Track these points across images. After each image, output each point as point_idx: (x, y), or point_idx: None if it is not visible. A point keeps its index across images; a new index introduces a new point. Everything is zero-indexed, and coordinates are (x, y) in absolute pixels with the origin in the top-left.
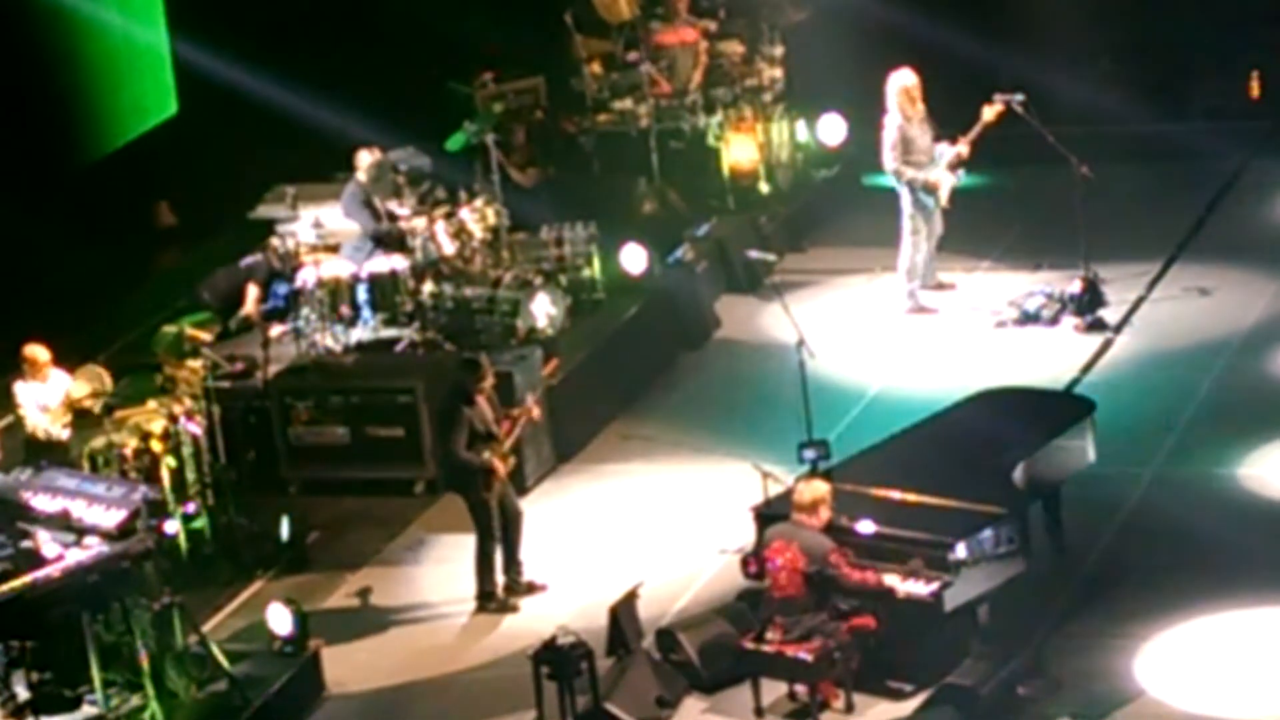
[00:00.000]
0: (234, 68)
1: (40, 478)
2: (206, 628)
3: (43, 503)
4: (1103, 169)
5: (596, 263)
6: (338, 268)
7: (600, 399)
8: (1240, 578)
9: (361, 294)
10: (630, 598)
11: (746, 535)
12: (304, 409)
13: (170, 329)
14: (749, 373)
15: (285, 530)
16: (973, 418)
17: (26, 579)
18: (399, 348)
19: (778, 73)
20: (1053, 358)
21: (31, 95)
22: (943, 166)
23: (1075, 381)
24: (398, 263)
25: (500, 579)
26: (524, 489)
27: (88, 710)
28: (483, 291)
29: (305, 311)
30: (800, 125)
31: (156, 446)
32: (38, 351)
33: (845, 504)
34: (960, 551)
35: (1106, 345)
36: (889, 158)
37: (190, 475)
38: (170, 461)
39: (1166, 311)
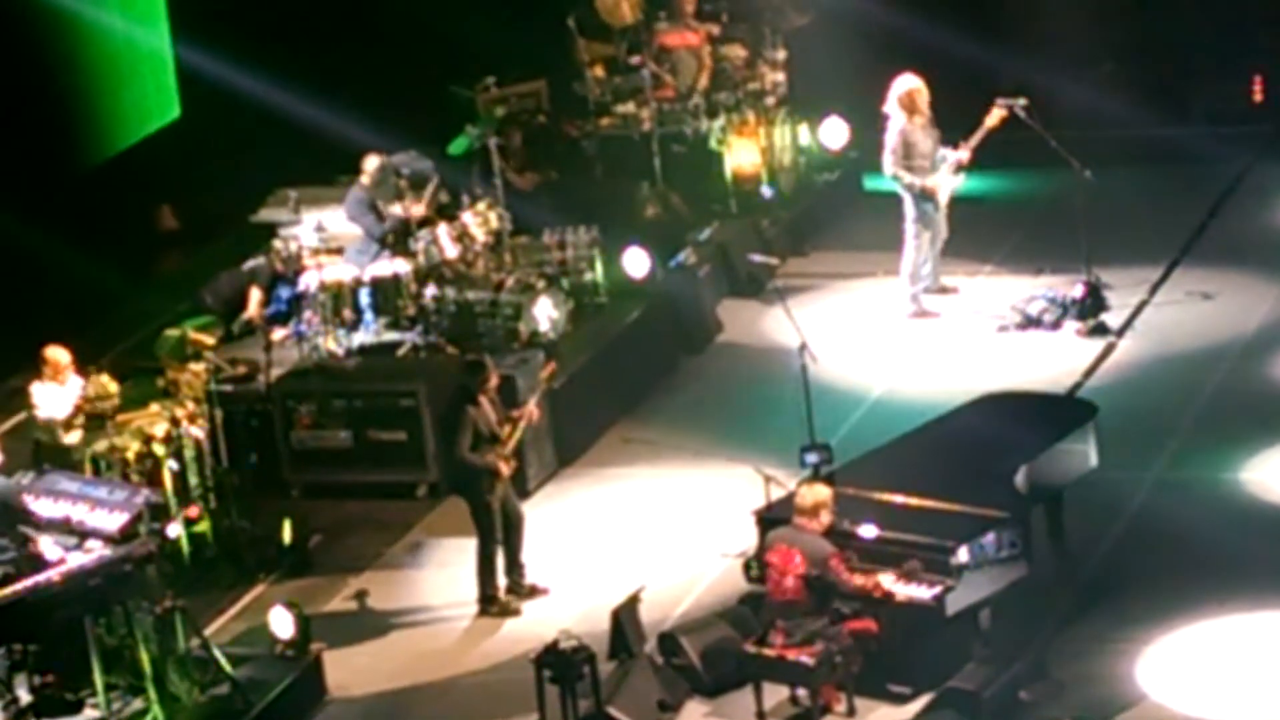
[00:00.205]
0: (237, 71)
1: (42, 481)
2: (208, 631)
3: (45, 506)
4: (1105, 173)
5: (599, 266)
6: (340, 271)
7: (602, 403)
8: (1242, 582)
9: (364, 298)
10: (632, 601)
11: (749, 539)
12: (306, 412)
13: (173, 332)
14: (751, 376)
15: (287, 534)
16: (975, 422)
17: (29, 582)
18: (401, 351)
19: (780, 76)
20: (1055, 362)
21: (34, 99)
22: (943, 172)
23: (1077, 386)
24: (400, 266)
25: (502, 582)
26: (526, 492)
27: (90, 714)
28: (485, 295)
29: (308, 315)
30: (803, 129)
31: (159, 450)
32: (59, 354)
33: (847, 508)
34: (962, 556)
35: (1109, 349)
36: (888, 162)
37: (193, 479)
38: (172, 465)
39: (1169, 316)
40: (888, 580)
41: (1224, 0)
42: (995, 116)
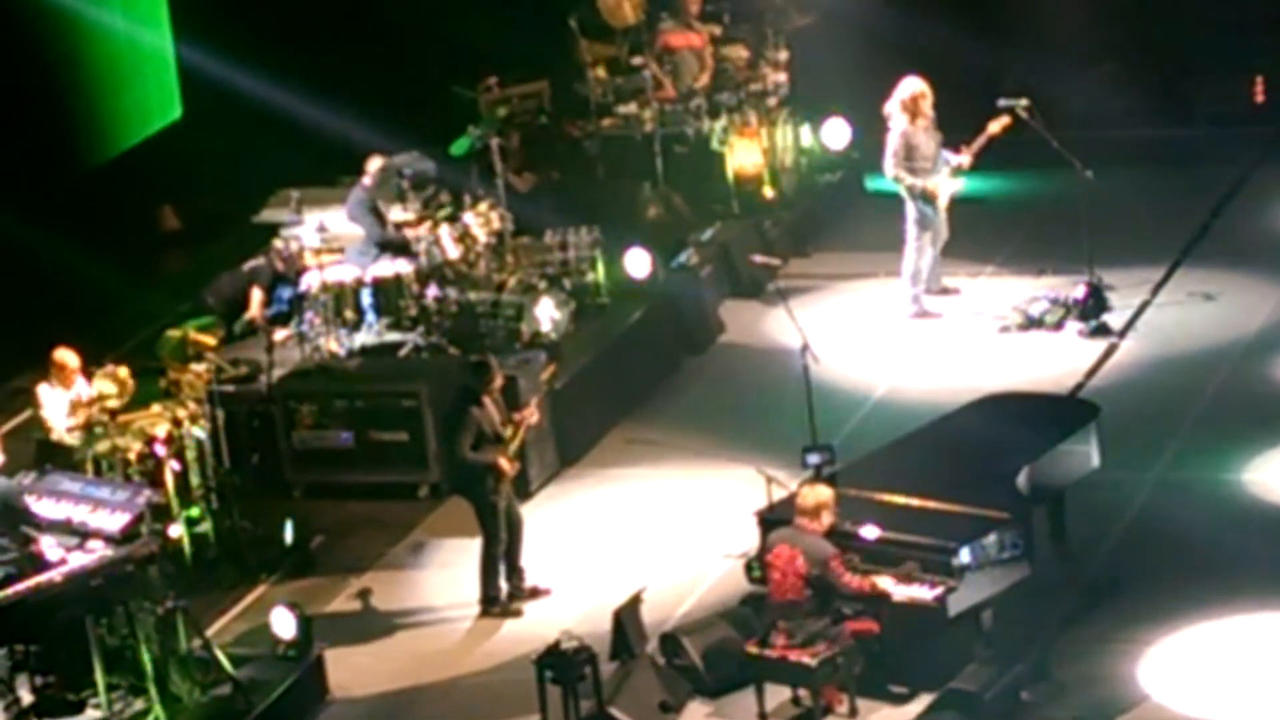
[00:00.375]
0: (238, 72)
1: (44, 481)
2: (210, 631)
3: (47, 507)
4: (1107, 174)
5: (601, 267)
6: (342, 272)
7: (604, 403)
8: (1244, 583)
9: (366, 298)
10: (634, 602)
11: (750, 540)
12: (308, 413)
13: (174, 333)
14: (753, 377)
15: (289, 534)
16: (977, 423)
17: (30, 583)
18: (403, 352)
19: (782, 77)
20: (1057, 363)
21: (35, 99)
22: (944, 174)
23: (1079, 386)
24: (402, 267)
25: (503, 584)
26: (528, 493)
27: (91, 714)
28: (487, 296)
29: (309, 315)
30: (805, 130)
31: (161, 450)
32: (67, 357)
33: (849, 509)
34: (964, 556)
35: (1111, 350)
36: (890, 163)
37: (194, 479)
38: (174, 465)
39: (1171, 317)
40: (886, 582)
41: (1226, 1)
42: (999, 124)
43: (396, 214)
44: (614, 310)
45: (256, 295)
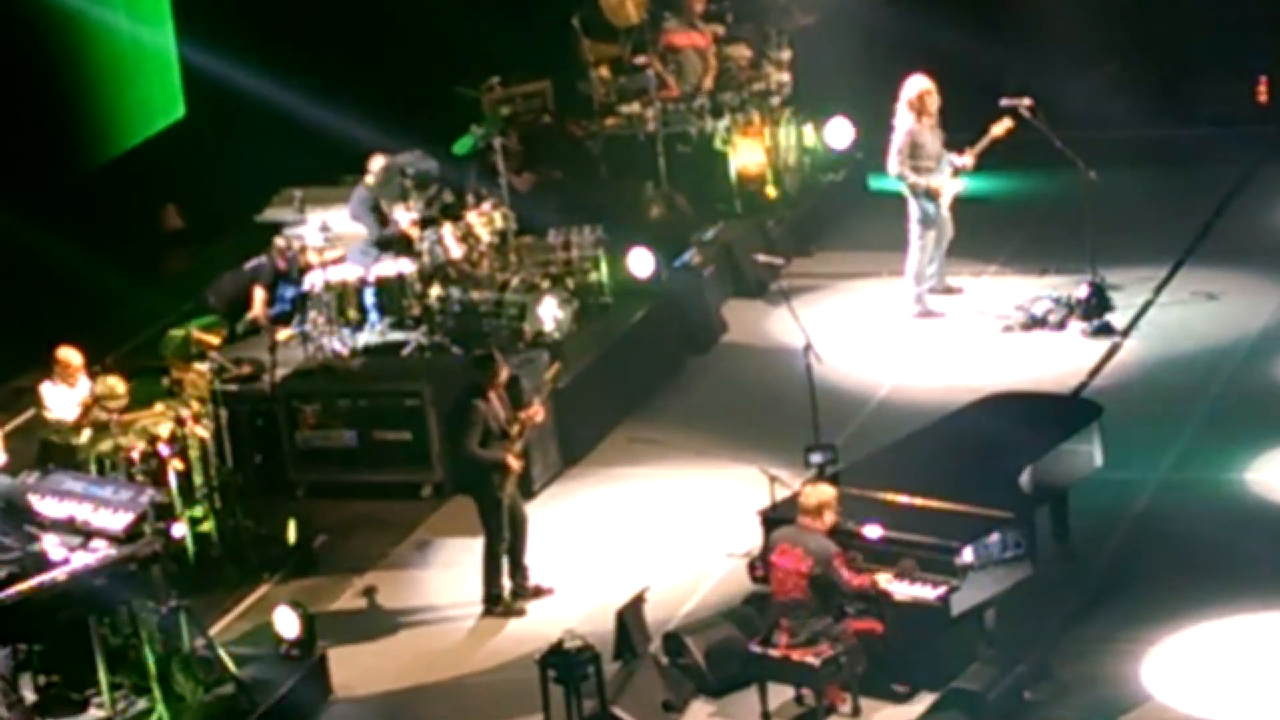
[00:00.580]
0: (241, 71)
1: (47, 481)
2: (213, 631)
3: (50, 506)
4: (1109, 173)
5: (604, 266)
6: (345, 271)
7: (607, 403)
8: (1246, 582)
9: (369, 297)
10: (637, 601)
11: (754, 539)
12: (311, 412)
13: (177, 332)
14: (756, 377)
15: (292, 533)
16: (980, 422)
17: (33, 582)
18: (406, 351)
19: (785, 77)
20: (1060, 362)
21: (39, 98)
22: (946, 174)
23: (1082, 386)
24: (405, 266)
25: (506, 583)
26: (531, 493)
27: (94, 713)
28: (490, 295)
29: (312, 315)
30: (808, 129)
31: (164, 450)
32: (70, 355)
33: (852, 508)
34: (967, 556)
35: (1113, 350)
36: (894, 162)
37: (197, 478)
38: (177, 464)
39: (1174, 316)
40: (884, 579)
41: (1229, 1)
42: (1002, 126)
43: (400, 213)
44: (617, 310)
45: (259, 295)
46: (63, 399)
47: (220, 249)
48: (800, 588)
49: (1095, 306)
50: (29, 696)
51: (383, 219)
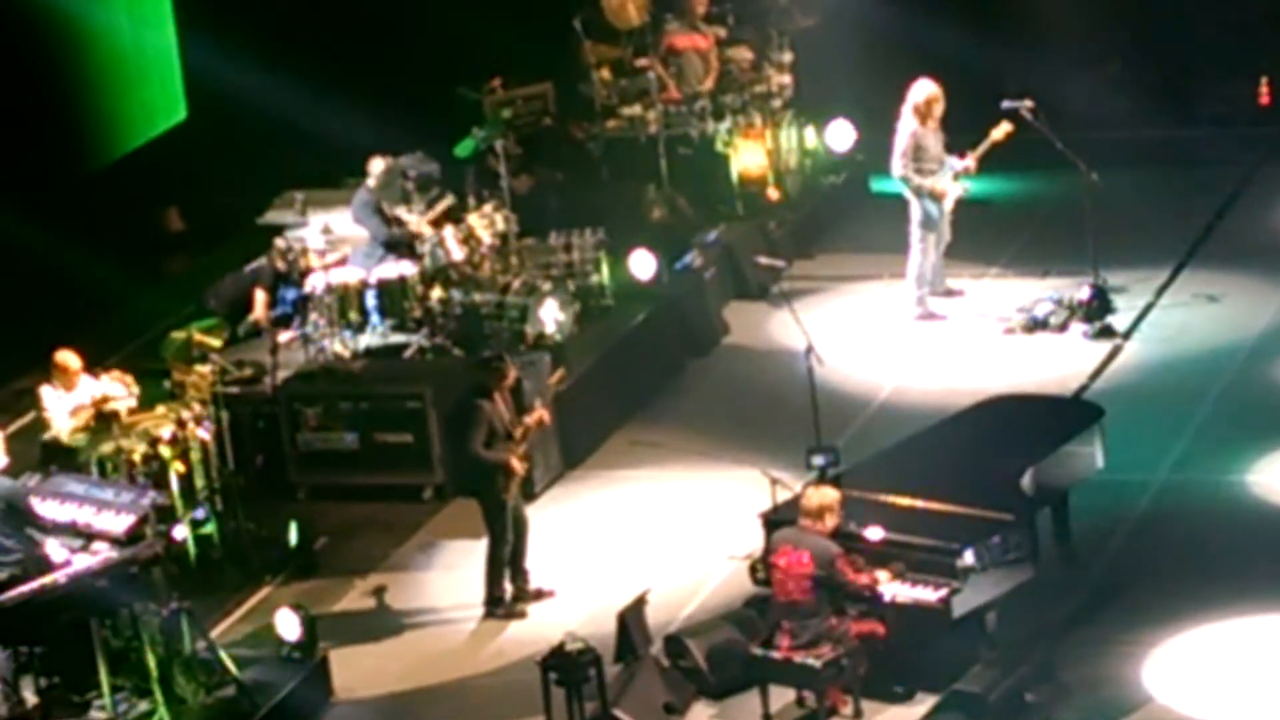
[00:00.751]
0: (243, 73)
1: (49, 483)
2: (215, 633)
3: (51, 508)
4: (1111, 175)
5: (605, 269)
6: (347, 274)
7: (608, 405)
8: (1248, 584)
9: (370, 300)
10: (638, 604)
11: (755, 541)
12: (313, 414)
13: (179, 334)
14: (757, 379)
15: (293, 536)
16: (981, 424)
17: (35, 584)
18: (408, 353)
19: (786, 79)
20: (1061, 364)
21: (40, 100)
22: (948, 177)
23: (1084, 388)
24: (406, 268)
25: (508, 586)
26: (532, 495)
27: (96, 715)
28: (491, 297)
29: (314, 317)
30: (809, 131)
31: (165, 452)
32: (69, 359)
33: (854, 510)
34: (969, 558)
35: (1115, 352)
36: (899, 164)
37: (199, 481)
38: (178, 467)
39: (1175, 318)
40: (884, 577)
41: (1231, 2)
42: (1002, 130)
43: (403, 214)
44: (618, 312)
45: (260, 297)
46: (61, 403)
47: (222, 251)
48: (802, 589)
49: (1097, 309)
50: (30, 699)
51: (385, 221)
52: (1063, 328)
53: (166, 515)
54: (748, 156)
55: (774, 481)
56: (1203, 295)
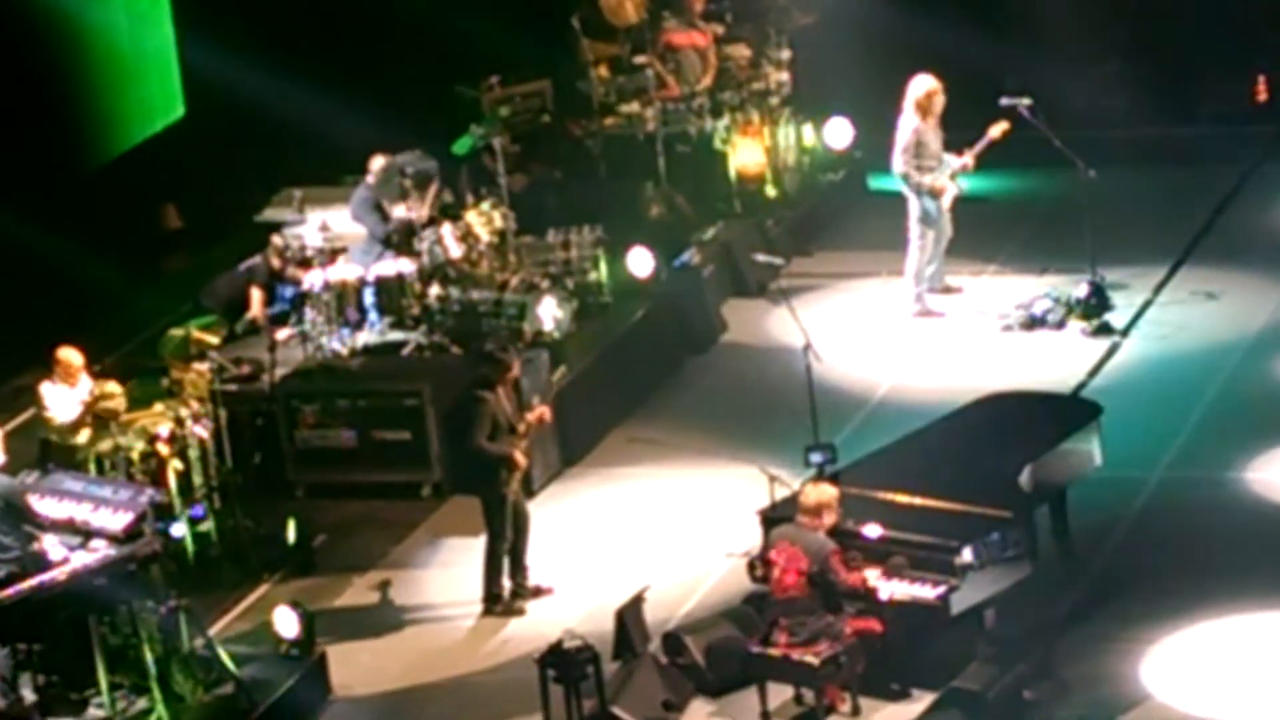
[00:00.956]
0: (241, 71)
1: (47, 480)
2: (213, 631)
3: (49, 506)
4: (1109, 172)
5: (603, 266)
6: (345, 271)
7: (606, 402)
8: (1246, 581)
9: (368, 297)
10: (637, 601)
11: (753, 539)
12: (310, 412)
13: (177, 332)
14: (755, 376)
15: (291, 533)
16: (979, 421)
17: (33, 582)
18: (406, 351)
19: (784, 76)
20: (1059, 361)
21: (38, 98)
22: (947, 174)
23: (1082, 385)
24: (404, 266)
25: (506, 583)
26: (530, 492)
27: (94, 713)
28: (489, 295)
29: (312, 315)
30: (807, 129)
31: (163, 449)
32: (71, 356)
33: (852, 508)
34: (967, 555)
35: (1113, 349)
36: (900, 160)
37: (197, 478)
38: (176, 464)
39: (1173, 315)
40: (874, 575)
41: (1229, 0)
42: (999, 129)
43: (399, 212)
44: (616, 309)
45: (256, 295)
46: (63, 399)
47: (220, 249)
48: (799, 586)
49: (1095, 306)
50: (28, 696)
51: (384, 218)
52: (1061, 325)
53: (164, 513)
54: (746, 154)
55: (772, 479)
56: (1201, 292)
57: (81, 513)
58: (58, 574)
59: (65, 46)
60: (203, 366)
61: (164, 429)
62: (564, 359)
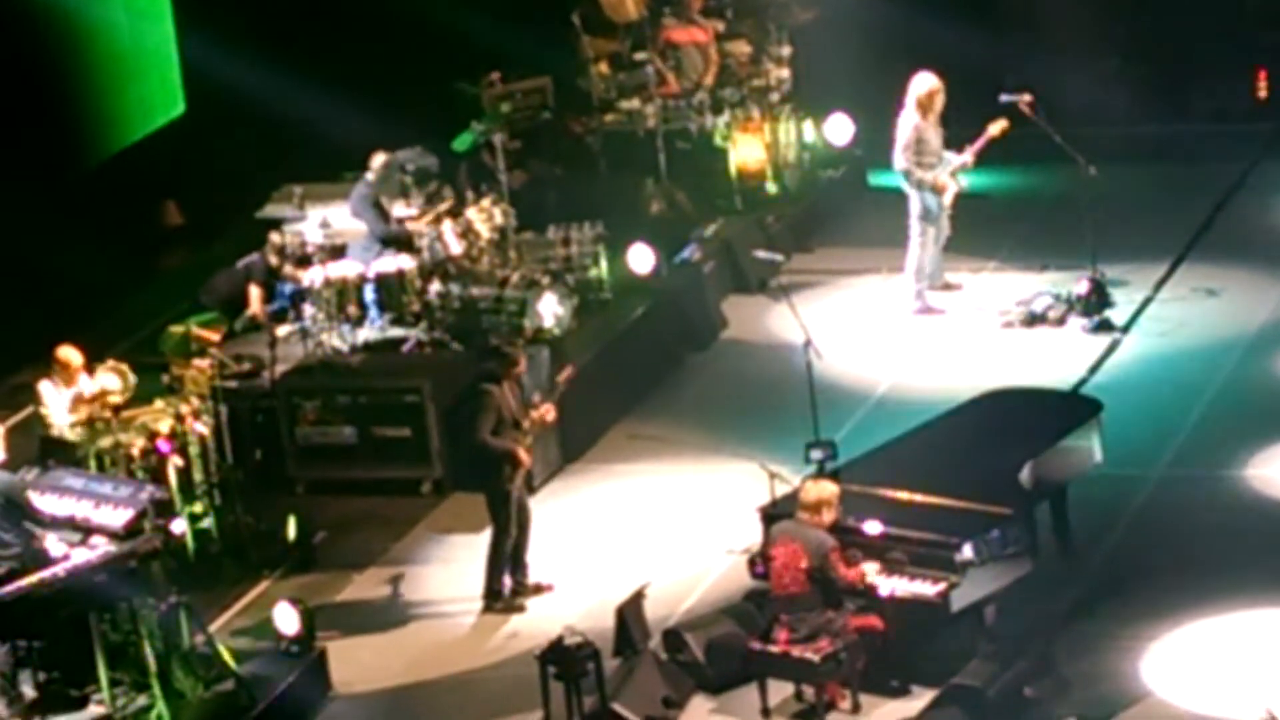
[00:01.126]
0: (241, 67)
1: (47, 477)
2: (213, 627)
3: (50, 503)
4: (1109, 169)
5: (603, 263)
6: (345, 268)
7: (607, 399)
8: (1246, 578)
9: (369, 294)
10: (637, 598)
11: (753, 536)
12: (311, 409)
13: (177, 329)
14: (756, 373)
15: (292, 530)
16: (979, 418)
17: (33, 579)
18: (406, 348)
19: (785, 73)
20: (1059, 358)
21: (38, 95)
22: (947, 171)
23: (1082, 382)
24: (405, 263)
25: (507, 579)
26: (531, 489)
27: (94, 710)
28: (490, 291)
29: (312, 311)
30: (807, 125)
31: (164, 446)
32: (70, 355)
33: (852, 504)
34: (967, 552)
35: (1113, 346)
36: (901, 157)
37: (198, 475)
38: (177, 461)
39: (1174, 312)
40: (872, 570)
41: None
42: (998, 126)
43: (399, 210)
44: (617, 306)
45: (255, 292)
46: (62, 397)
47: (220, 246)
48: (799, 583)
49: (1095, 302)
50: (29, 693)
51: (384, 215)
52: (1061, 322)
53: (165, 509)
54: (746, 150)
55: (772, 475)
56: (1201, 289)
57: (82, 509)
58: (58, 571)
59: (65, 44)
60: (203, 363)
61: (165, 425)
62: (566, 357)
